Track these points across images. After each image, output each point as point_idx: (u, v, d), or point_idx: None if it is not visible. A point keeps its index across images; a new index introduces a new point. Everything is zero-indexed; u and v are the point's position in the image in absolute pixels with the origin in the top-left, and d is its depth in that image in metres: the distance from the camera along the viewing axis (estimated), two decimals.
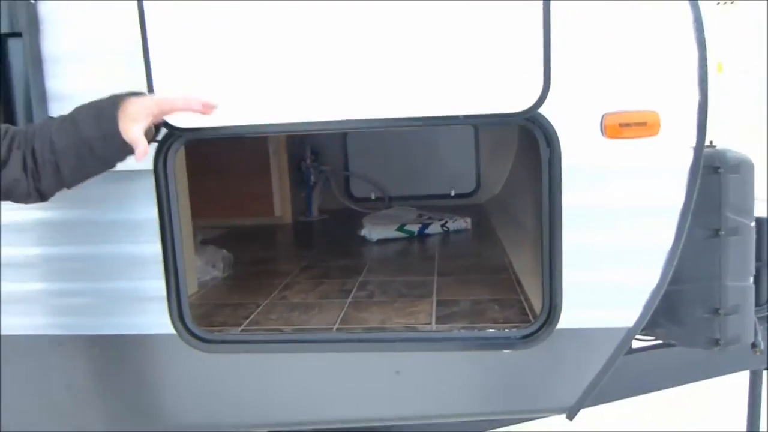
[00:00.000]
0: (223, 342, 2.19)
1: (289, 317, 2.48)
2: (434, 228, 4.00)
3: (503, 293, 2.61)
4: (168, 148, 1.95)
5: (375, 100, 1.87)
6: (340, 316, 2.45)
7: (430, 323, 2.31)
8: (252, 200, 4.47)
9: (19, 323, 2.14)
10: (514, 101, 1.84)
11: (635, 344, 2.24)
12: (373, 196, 5.03)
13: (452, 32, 1.80)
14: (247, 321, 2.45)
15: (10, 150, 1.46)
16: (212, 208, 3.75)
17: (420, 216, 4.20)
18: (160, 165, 1.97)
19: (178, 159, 2.11)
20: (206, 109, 1.59)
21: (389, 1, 1.80)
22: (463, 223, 4.07)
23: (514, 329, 2.12)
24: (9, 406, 2.17)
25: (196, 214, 2.85)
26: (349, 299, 2.67)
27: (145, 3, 1.82)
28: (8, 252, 2.08)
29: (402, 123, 1.93)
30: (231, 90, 1.88)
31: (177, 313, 2.11)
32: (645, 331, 2.11)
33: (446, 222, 4.03)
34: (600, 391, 2.05)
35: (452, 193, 4.94)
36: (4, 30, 1.87)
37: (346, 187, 5.08)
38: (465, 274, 3.01)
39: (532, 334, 2.04)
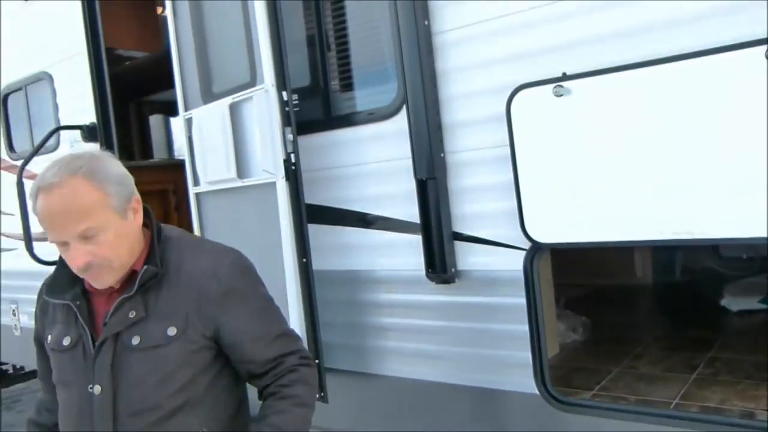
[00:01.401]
0: (576, 405, 2.73)
1: (635, 387, 2.91)
2: None
3: None
4: (533, 256, 2.61)
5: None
6: (682, 391, 2.78)
7: None
8: (614, 261, 4.88)
9: (422, 371, 3.00)
10: None
11: None
12: (744, 255, 4.97)
13: None
14: (598, 386, 2.95)
15: None
16: (576, 268, 4.29)
17: None
18: (529, 267, 2.62)
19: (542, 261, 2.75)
20: None
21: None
22: None
23: None
24: None
25: (560, 273, 3.43)
26: (694, 375, 2.96)
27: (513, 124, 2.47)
28: (421, 324, 2.96)
29: None
30: (589, 205, 2.42)
31: (539, 376, 2.73)
32: None
33: None
34: None
35: None
36: (425, 177, 2.76)
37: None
38: None
39: None
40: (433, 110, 2.76)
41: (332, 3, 3.24)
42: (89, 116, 4.42)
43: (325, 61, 3.22)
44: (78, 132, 4.46)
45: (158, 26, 5.07)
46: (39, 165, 4.66)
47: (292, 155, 2.98)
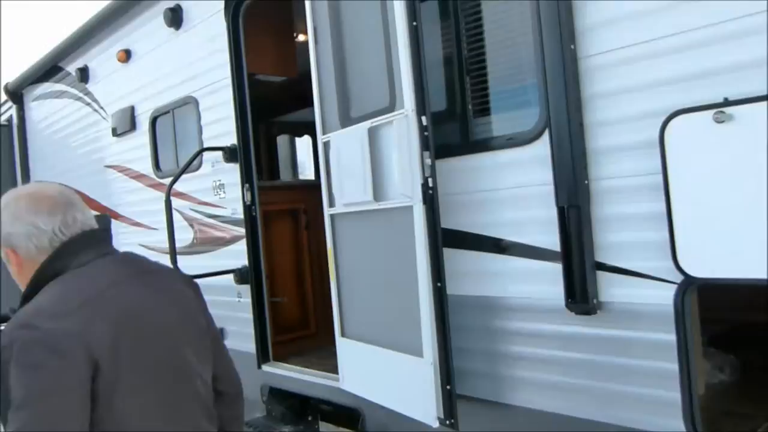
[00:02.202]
0: None
1: None
2: None
3: None
4: (685, 290, 2.46)
5: None
6: None
7: None
8: (764, 294, 4.53)
9: (557, 404, 2.89)
10: None
11: None
12: None
13: None
14: None
15: None
16: (721, 301, 4.00)
17: None
18: (680, 302, 2.48)
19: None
20: None
21: None
22: None
23: None
24: None
25: (703, 306, 3.22)
26: None
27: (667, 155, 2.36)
28: (558, 355, 2.87)
29: None
30: (749, 239, 2.26)
31: (689, 418, 2.56)
32: None
33: None
34: None
35: None
36: (567, 204, 2.69)
37: None
38: None
39: None
40: (578, 136, 2.69)
41: (471, 25, 3.25)
42: (230, 139, 4.66)
43: (464, 85, 3.23)
44: (220, 153, 4.71)
45: (295, 51, 5.29)
46: (184, 183, 5.00)
47: (430, 179, 3.00)
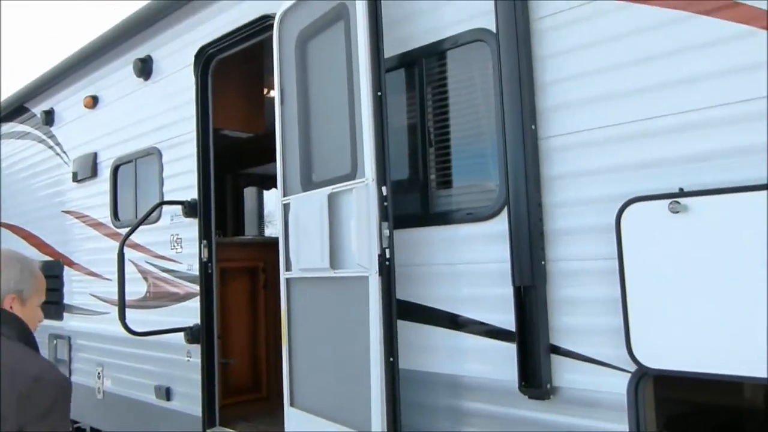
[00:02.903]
0: None
1: None
2: None
3: None
4: (639, 380, 2.41)
5: None
6: None
7: None
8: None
9: None
10: None
11: None
12: None
13: None
14: None
15: None
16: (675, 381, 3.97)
17: None
18: (633, 393, 2.42)
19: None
20: None
21: None
22: None
23: None
24: None
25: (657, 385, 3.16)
26: None
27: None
28: None
29: None
30: (704, 331, 2.23)
31: None
32: None
33: None
34: None
35: None
36: (523, 284, 2.64)
37: None
38: None
39: None
40: (536, 216, 2.67)
41: (436, 96, 3.25)
42: (191, 193, 4.58)
43: (426, 156, 3.21)
44: (179, 207, 4.62)
45: (264, 107, 5.28)
46: (142, 235, 4.88)
47: (387, 251, 2.95)
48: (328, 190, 3.22)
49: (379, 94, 3.02)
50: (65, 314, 6.22)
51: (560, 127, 2.66)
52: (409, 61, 3.25)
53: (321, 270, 3.25)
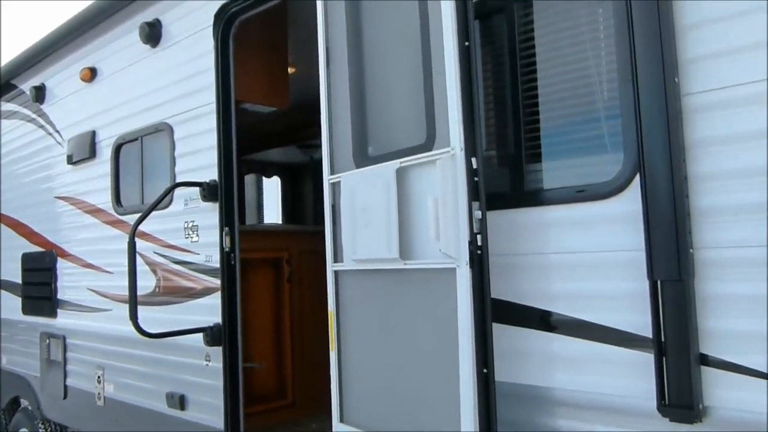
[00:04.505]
0: None
1: None
2: None
3: None
4: None
5: None
6: None
7: None
8: None
9: None
10: None
11: None
12: None
13: None
14: None
15: None
16: None
17: None
18: None
19: None
20: None
21: None
22: None
23: None
24: None
25: None
26: None
27: None
28: None
29: None
30: None
31: None
32: None
33: None
34: None
35: None
36: (665, 277, 2.10)
37: None
38: None
39: None
40: (681, 191, 2.13)
41: (531, 51, 2.70)
42: (207, 174, 4.00)
43: (518, 122, 2.65)
44: (195, 190, 4.04)
45: (287, 82, 4.69)
46: (150, 222, 4.29)
47: (479, 237, 2.39)
48: (395, 164, 2.66)
49: (467, 44, 2.46)
50: (59, 311, 5.60)
51: (711, 81, 2.11)
52: (496, 6, 2.69)
53: (386, 261, 2.69)
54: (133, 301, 3.61)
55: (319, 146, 3.11)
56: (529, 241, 2.55)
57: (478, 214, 2.39)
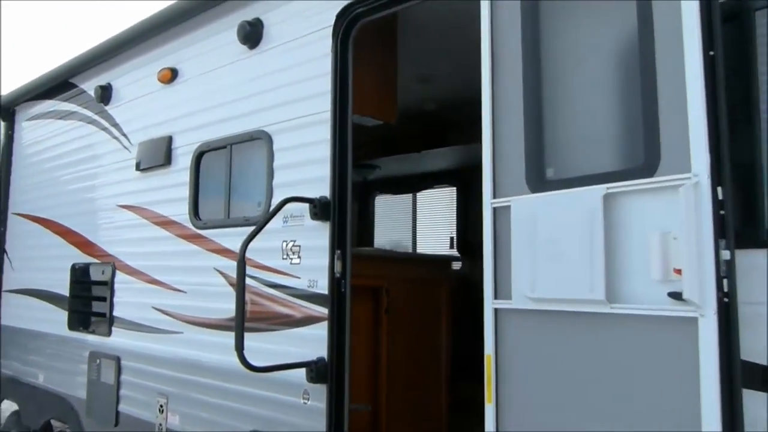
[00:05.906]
0: None
1: None
2: None
3: None
4: None
5: None
6: None
7: None
8: None
9: None
10: None
11: None
12: None
13: None
14: None
15: None
16: None
17: None
18: None
19: None
20: None
21: None
22: None
23: None
24: None
25: None
26: None
27: None
28: None
29: None
30: None
31: None
32: None
33: None
34: None
35: None
36: None
37: None
38: None
39: None
40: None
41: None
42: (310, 189, 3.61)
43: (758, 142, 2.26)
44: (299, 206, 3.64)
45: (396, 94, 4.32)
46: (237, 238, 3.90)
47: (726, 281, 1.99)
48: (601, 189, 2.27)
49: (712, 53, 2.09)
50: (114, 329, 5.16)
51: None
52: (733, 11, 2.32)
53: (584, 302, 2.29)
54: (240, 329, 3.19)
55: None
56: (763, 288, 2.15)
57: (725, 254, 1.99)
